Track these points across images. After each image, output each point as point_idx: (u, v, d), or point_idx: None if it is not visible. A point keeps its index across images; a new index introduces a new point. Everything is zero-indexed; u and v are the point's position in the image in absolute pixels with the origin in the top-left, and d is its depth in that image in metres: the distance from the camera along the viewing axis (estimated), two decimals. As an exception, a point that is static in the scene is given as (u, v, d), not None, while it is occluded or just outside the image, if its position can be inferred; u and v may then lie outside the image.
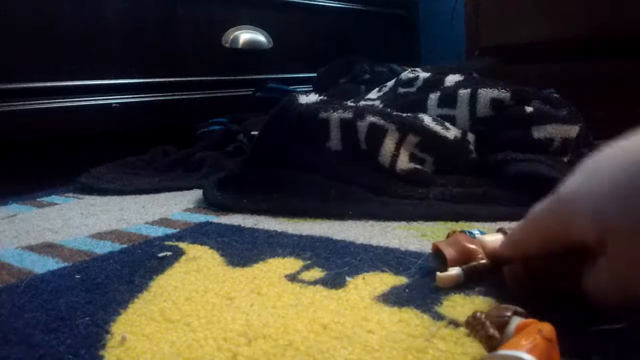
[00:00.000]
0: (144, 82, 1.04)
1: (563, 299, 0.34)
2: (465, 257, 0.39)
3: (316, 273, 0.43)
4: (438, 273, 0.39)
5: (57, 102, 0.90)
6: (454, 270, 0.38)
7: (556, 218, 0.31)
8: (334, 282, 0.41)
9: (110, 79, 0.99)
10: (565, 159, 0.66)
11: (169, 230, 0.59)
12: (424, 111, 0.75)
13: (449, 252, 0.40)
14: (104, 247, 0.54)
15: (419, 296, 0.37)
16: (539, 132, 0.66)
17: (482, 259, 0.38)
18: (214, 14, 1.18)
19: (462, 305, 0.35)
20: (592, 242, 0.28)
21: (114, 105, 0.98)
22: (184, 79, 1.12)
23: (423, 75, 0.83)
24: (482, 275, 0.38)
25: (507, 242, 0.36)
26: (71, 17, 0.93)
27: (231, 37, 1.21)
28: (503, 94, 0.71)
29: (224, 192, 0.71)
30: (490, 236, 0.40)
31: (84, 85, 0.95)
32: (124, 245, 0.54)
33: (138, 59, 1.04)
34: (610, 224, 0.27)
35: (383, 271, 0.42)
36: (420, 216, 0.57)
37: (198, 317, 0.36)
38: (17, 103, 0.85)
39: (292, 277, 0.42)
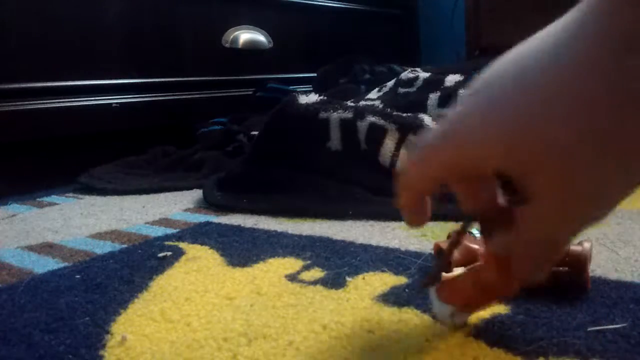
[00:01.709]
0: (144, 82, 1.04)
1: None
2: (468, 258, 0.39)
3: (316, 273, 0.43)
4: (443, 274, 0.38)
5: (57, 102, 0.90)
6: (459, 271, 0.38)
7: (451, 148, 0.25)
8: (334, 282, 0.41)
9: (110, 79, 0.99)
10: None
11: (169, 230, 0.59)
12: (424, 111, 0.75)
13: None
14: (104, 247, 0.54)
15: (419, 296, 0.37)
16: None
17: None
18: (214, 14, 1.18)
19: (462, 305, 0.35)
20: (510, 178, 0.24)
21: (114, 105, 0.98)
22: (184, 79, 1.12)
23: (423, 75, 0.83)
24: None
25: (402, 174, 0.29)
26: (71, 17, 0.93)
27: (231, 37, 1.21)
28: (503, 94, 0.71)
29: (224, 192, 0.71)
30: None
31: (84, 85, 0.95)
32: (124, 245, 0.54)
33: (138, 59, 1.04)
34: (531, 161, 0.22)
35: (383, 271, 0.42)
36: (420, 216, 0.57)
37: (198, 317, 0.36)
38: (17, 103, 0.85)
39: (292, 277, 0.42)
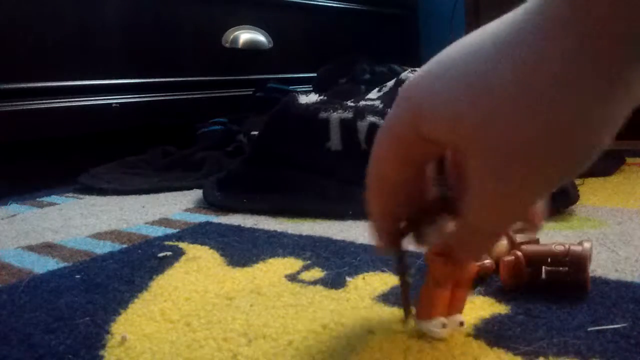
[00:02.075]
0: (144, 82, 1.04)
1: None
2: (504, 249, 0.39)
3: (316, 273, 0.43)
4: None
5: (57, 102, 0.90)
6: (487, 262, 0.38)
7: (405, 120, 0.25)
8: (334, 282, 0.41)
9: (110, 79, 0.99)
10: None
11: (169, 230, 0.59)
12: (424, 111, 0.75)
13: None
14: (104, 247, 0.54)
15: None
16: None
17: (487, 260, 0.38)
18: (214, 14, 1.18)
19: (462, 305, 0.35)
20: (449, 151, 0.25)
21: (114, 105, 0.98)
22: (184, 79, 1.12)
23: (423, 75, 0.83)
24: (487, 277, 0.38)
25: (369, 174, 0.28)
26: (71, 17, 0.93)
27: (231, 37, 1.21)
28: (503, 94, 0.71)
29: (224, 192, 0.71)
30: None
31: (84, 85, 0.95)
32: (124, 245, 0.54)
33: (138, 59, 1.04)
34: (466, 129, 0.22)
35: (383, 271, 0.42)
36: (420, 216, 0.57)
37: (198, 317, 0.36)
38: (17, 103, 0.85)
39: (292, 277, 0.42)
